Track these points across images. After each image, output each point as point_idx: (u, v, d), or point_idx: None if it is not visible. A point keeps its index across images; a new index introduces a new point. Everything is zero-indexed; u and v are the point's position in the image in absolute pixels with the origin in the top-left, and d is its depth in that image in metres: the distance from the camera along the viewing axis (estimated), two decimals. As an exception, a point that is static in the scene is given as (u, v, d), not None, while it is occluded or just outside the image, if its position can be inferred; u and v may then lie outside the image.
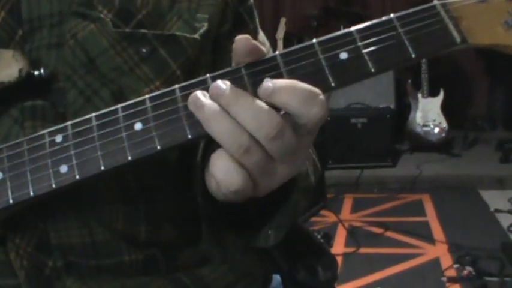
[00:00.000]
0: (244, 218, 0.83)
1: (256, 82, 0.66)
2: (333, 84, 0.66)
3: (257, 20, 0.98)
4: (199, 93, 0.66)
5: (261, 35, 1.00)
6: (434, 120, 5.55)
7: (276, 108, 0.65)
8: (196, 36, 0.87)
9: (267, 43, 1.00)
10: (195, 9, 0.89)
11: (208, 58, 0.90)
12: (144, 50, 0.84)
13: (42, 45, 0.82)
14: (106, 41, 0.82)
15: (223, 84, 0.65)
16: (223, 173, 0.66)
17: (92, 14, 0.83)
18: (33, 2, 0.82)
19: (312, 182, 0.86)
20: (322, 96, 0.65)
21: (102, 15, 0.83)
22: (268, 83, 0.65)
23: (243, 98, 0.65)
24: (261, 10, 6.01)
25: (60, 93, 0.81)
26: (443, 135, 5.56)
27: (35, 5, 0.82)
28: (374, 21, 0.68)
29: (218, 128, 0.65)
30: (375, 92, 5.52)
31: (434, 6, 0.69)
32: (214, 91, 0.66)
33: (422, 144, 5.61)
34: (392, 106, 5.52)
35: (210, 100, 0.66)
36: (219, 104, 0.65)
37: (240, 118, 0.64)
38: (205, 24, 0.89)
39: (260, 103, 0.65)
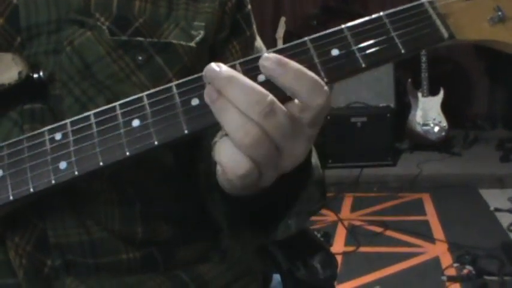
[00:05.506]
0: (258, 217, 0.83)
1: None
2: (325, 79, 0.67)
3: (254, 26, 0.99)
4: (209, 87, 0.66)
5: (258, 41, 1.00)
6: (434, 119, 5.54)
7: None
8: (193, 44, 0.88)
9: (264, 49, 1.00)
10: (192, 17, 0.89)
11: (205, 65, 0.90)
12: (140, 58, 0.84)
13: (39, 51, 0.82)
14: (102, 49, 0.83)
15: (216, 67, 0.65)
16: (229, 159, 0.65)
17: (89, 21, 0.84)
18: (31, 9, 0.83)
19: (322, 175, 0.86)
20: (326, 88, 0.66)
21: (99, 23, 0.84)
22: (282, 60, 0.65)
23: (235, 78, 0.64)
24: (261, 9, 6.01)
25: (57, 99, 0.82)
26: (443, 134, 5.55)
27: (33, 12, 0.83)
28: (364, 18, 0.70)
29: (218, 112, 0.64)
30: (375, 91, 5.51)
31: (422, 4, 0.71)
32: (208, 74, 0.65)
33: (422, 143, 5.59)
34: (392, 105, 5.50)
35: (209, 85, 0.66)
36: (216, 87, 0.65)
37: (233, 97, 0.64)
38: (202, 32, 0.89)
39: (252, 83, 0.64)
